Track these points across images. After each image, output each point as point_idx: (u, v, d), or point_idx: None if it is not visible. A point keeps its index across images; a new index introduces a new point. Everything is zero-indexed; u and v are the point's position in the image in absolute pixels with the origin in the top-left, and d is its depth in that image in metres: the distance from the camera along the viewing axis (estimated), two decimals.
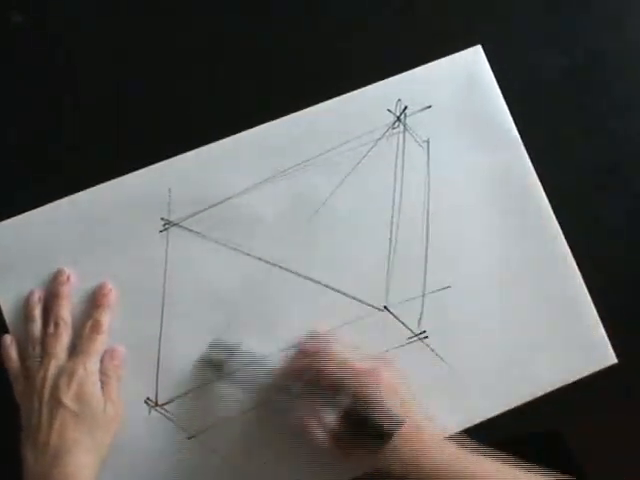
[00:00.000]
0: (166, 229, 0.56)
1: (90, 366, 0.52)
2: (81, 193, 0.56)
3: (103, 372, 0.52)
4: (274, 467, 0.54)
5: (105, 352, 0.53)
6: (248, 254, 0.56)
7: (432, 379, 0.55)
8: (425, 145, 0.58)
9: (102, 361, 0.53)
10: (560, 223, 0.58)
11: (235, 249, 0.56)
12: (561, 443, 0.56)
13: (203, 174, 0.56)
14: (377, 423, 0.47)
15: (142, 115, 0.59)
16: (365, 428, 0.47)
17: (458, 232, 0.57)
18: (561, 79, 0.60)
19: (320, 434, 0.48)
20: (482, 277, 0.57)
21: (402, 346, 0.55)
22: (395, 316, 0.56)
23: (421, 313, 0.56)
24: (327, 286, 0.56)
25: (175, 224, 0.56)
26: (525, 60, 0.61)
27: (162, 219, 0.56)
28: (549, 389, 0.55)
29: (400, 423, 0.47)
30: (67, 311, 0.54)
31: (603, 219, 0.60)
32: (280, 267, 0.56)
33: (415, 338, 0.56)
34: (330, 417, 0.48)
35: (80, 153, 0.58)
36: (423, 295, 0.56)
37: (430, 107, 0.58)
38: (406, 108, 0.58)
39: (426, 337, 0.56)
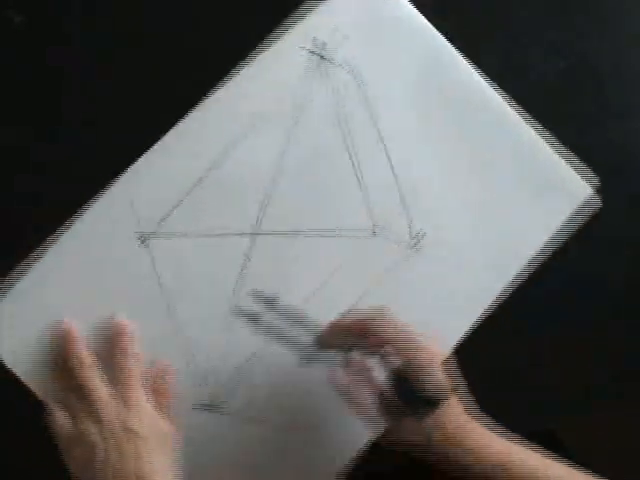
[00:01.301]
0: (144, 242, 0.55)
1: (136, 389, 0.51)
2: (63, 238, 0.54)
3: (152, 389, 0.52)
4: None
5: (150, 369, 0.52)
6: (230, 234, 0.56)
7: (437, 283, 0.58)
8: (353, 73, 0.58)
9: (148, 378, 0.52)
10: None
11: (218, 235, 0.56)
12: (560, 443, 0.56)
13: (157, 178, 0.56)
14: (428, 389, 0.47)
15: (141, 114, 0.58)
16: (414, 393, 0.47)
17: (414, 134, 0.59)
18: (560, 79, 0.61)
19: (369, 393, 0.49)
20: (451, 167, 0.59)
21: (402, 261, 0.58)
22: (387, 236, 0.57)
23: (409, 224, 0.58)
24: (316, 233, 0.57)
25: (150, 233, 0.55)
26: (525, 61, 0.61)
27: (136, 233, 0.55)
28: (543, 241, 0.58)
29: (449, 393, 0.48)
30: (85, 350, 0.52)
31: (603, 219, 0.60)
32: (264, 234, 0.56)
33: (412, 250, 0.58)
34: (380, 377, 0.49)
35: (80, 151, 0.58)
36: (405, 207, 0.58)
37: (348, 37, 0.59)
38: (325, 44, 0.58)
39: (418, 246, 0.58)
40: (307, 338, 0.52)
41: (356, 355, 0.49)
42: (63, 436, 0.50)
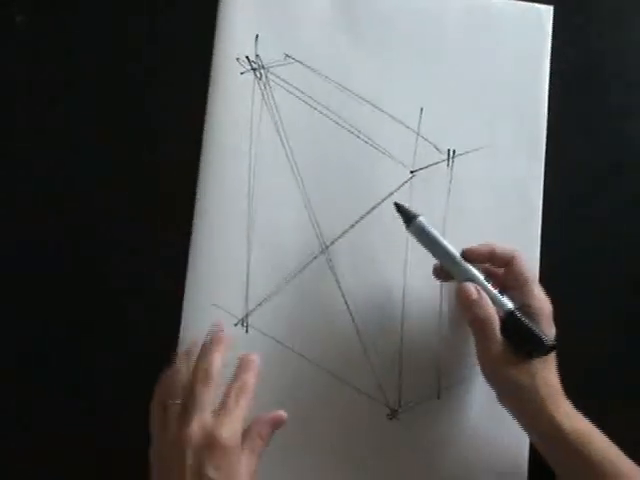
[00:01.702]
0: (246, 325, 0.57)
1: (234, 430, 0.46)
2: None
3: (249, 438, 0.47)
4: None
5: (262, 415, 0.49)
6: (307, 265, 0.58)
7: (491, 183, 0.60)
8: (295, 62, 0.60)
9: (251, 427, 0.48)
10: (560, 223, 0.59)
11: (298, 273, 0.57)
12: None
13: (215, 266, 0.58)
14: (543, 332, 0.49)
15: (142, 114, 0.59)
16: (531, 332, 0.49)
17: (383, 73, 0.60)
18: (561, 79, 0.60)
19: (494, 312, 0.50)
20: (435, 78, 0.61)
21: (454, 181, 0.59)
22: (425, 173, 0.59)
23: (437, 147, 0.60)
24: (366, 214, 0.58)
25: (245, 315, 0.57)
26: None
27: (235, 324, 0.57)
28: (546, 79, 0.60)
29: (554, 347, 0.50)
30: (217, 366, 0.49)
31: (603, 219, 0.60)
32: (333, 242, 0.58)
33: (451, 166, 0.59)
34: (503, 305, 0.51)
35: (79, 151, 0.58)
36: (424, 137, 0.60)
37: (257, 36, 0.60)
38: (255, 55, 0.59)
39: (456, 161, 0.59)
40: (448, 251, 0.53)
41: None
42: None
